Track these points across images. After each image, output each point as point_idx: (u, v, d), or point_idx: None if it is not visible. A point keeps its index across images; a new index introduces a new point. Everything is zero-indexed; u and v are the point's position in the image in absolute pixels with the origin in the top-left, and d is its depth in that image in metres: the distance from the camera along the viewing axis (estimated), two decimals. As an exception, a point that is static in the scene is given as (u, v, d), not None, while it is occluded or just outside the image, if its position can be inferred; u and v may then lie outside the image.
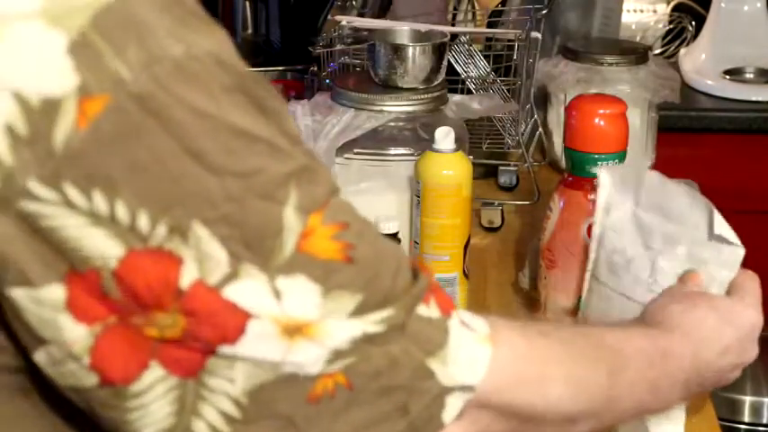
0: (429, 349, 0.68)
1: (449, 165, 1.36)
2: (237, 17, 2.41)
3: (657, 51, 2.42)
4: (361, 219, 0.67)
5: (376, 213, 1.32)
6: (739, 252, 1.11)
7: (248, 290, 0.61)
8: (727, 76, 2.30)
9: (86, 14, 0.57)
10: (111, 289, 0.59)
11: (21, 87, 0.56)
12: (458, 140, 1.38)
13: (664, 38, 2.48)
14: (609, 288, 1.15)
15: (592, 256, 1.18)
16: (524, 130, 1.74)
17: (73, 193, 0.57)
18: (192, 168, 0.59)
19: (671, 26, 2.48)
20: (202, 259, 0.60)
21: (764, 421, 1.91)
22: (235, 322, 0.61)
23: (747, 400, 1.91)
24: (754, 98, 2.24)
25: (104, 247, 0.58)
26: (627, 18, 2.40)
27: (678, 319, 0.90)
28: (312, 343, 0.63)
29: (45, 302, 0.59)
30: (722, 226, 1.11)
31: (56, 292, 0.59)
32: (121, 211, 0.58)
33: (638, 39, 2.40)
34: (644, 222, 1.14)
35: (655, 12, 2.49)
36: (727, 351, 0.91)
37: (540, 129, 1.85)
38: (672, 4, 2.49)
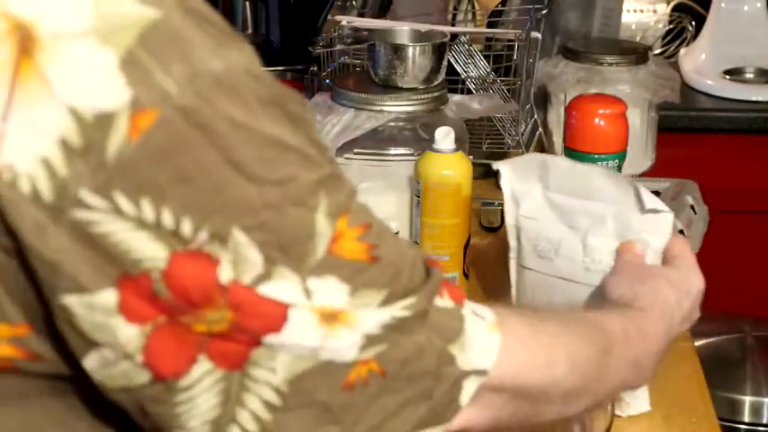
0: (449, 336, 0.72)
1: (449, 165, 1.36)
2: (237, 17, 2.41)
3: (657, 51, 2.42)
4: (378, 219, 0.71)
5: (376, 213, 1.32)
6: (669, 218, 1.14)
7: (281, 288, 0.64)
8: (727, 76, 2.30)
9: (133, 32, 0.60)
10: (161, 290, 0.62)
11: (75, 102, 0.59)
12: (458, 140, 1.38)
13: (664, 38, 2.48)
14: (541, 273, 1.19)
15: (512, 244, 1.22)
16: (524, 130, 1.74)
17: (122, 202, 0.60)
18: (232, 178, 0.62)
19: (671, 26, 2.48)
20: (238, 261, 0.63)
21: (764, 421, 1.91)
22: (278, 312, 0.64)
23: (747, 400, 1.90)
24: (754, 98, 2.24)
25: (151, 250, 0.61)
26: (627, 18, 2.40)
27: (648, 299, 0.96)
28: (347, 328, 0.67)
29: (98, 307, 0.62)
30: (650, 199, 1.14)
31: (108, 296, 0.61)
32: (167, 218, 0.61)
33: (638, 39, 2.40)
34: (560, 205, 1.18)
35: (655, 12, 2.49)
36: (685, 319, 1.00)
37: (540, 129, 1.85)
38: (672, 4, 2.49)
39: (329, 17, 2.01)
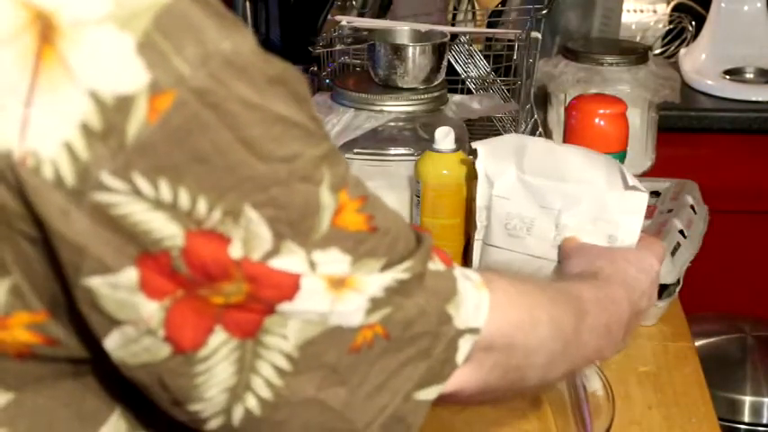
0: (445, 297, 0.75)
1: (449, 165, 1.37)
2: (237, 17, 2.40)
3: (657, 51, 2.42)
4: (370, 191, 0.73)
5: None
6: (644, 197, 1.18)
7: (288, 261, 0.66)
8: (727, 76, 2.30)
9: (149, 16, 0.61)
10: (180, 266, 0.64)
11: (96, 87, 0.60)
12: (458, 140, 1.38)
13: (664, 38, 2.48)
14: (508, 251, 1.22)
15: (480, 224, 1.25)
16: (524, 130, 1.74)
17: (141, 183, 0.62)
18: (244, 156, 0.64)
19: (671, 26, 2.48)
20: (248, 238, 0.65)
21: (764, 421, 1.91)
22: (291, 281, 0.67)
23: (747, 400, 1.90)
24: (754, 98, 2.24)
25: (168, 229, 0.63)
26: (627, 18, 2.40)
27: (608, 271, 1.00)
28: (353, 291, 0.69)
29: (122, 285, 0.63)
30: (632, 177, 1.18)
31: (130, 274, 0.63)
32: (183, 198, 0.63)
33: (638, 39, 2.40)
34: (534, 186, 1.20)
35: (655, 12, 2.49)
36: (644, 295, 1.01)
37: (540, 129, 1.85)
38: (672, 4, 2.49)
39: (329, 17, 2.01)
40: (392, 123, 1.45)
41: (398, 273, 0.72)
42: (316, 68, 1.69)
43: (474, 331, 0.76)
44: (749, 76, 2.33)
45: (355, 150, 1.43)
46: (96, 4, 0.61)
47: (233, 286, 0.65)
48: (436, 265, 0.76)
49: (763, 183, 2.23)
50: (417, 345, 0.73)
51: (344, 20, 1.74)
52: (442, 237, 1.37)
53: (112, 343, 0.66)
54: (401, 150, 1.44)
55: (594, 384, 1.11)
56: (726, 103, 2.24)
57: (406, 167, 1.42)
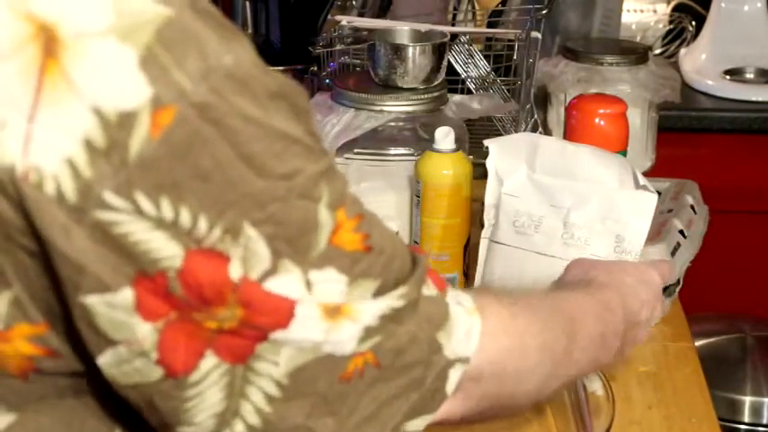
0: (437, 323, 0.74)
1: (449, 165, 1.36)
2: (237, 17, 2.40)
3: (657, 51, 2.42)
4: (367, 209, 0.72)
5: (376, 213, 1.32)
6: (653, 198, 1.20)
7: (286, 282, 0.65)
8: (727, 76, 2.30)
9: (151, 29, 0.60)
10: (176, 288, 0.63)
11: (99, 102, 0.59)
12: (458, 140, 1.38)
13: (664, 38, 2.48)
14: (515, 248, 1.24)
15: (488, 222, 1.26)
16: (524, 130, 1.74)
17: (143, 201, 0.61)
18: (245, 173, 0.63)
19: (671, 26, 2.48)
20: (248, 257, 0.64)
21: (764, 421, 1.91)
22: (286, 307, 0.66)
23: (747, 400, 1.90)
24: (754, 98, 2.23)
25: (168, 249, 0.62)
26: (627, 18, 2.40)
27: (604, 279, 0.98)
28: (349, 320, 0.68)
29: (118, 305, 0.63)
30: (642, 178, 1.20)
31: (126, 294, 0.62)
32: (184, 217, 0.62)
33: (638, 39, 2.40)
34: (544, 185, 1.22)
35: (655, 12, 2.49)
36: (644, 305, 0.99)
37: (540, 129, 1.85)
38: (672, 4, 2.49)
39: (329, 17, 2.00)
40: (392, 123, 1.45)
41: (394, 300, 0.71)
42: (316, 68, 1.69)
43: (464, 361, 0.75)
44: (749, 76, 2.33)
45: (355, 150, 1.43)
46: (98, 15, 0.60)
47: (227, 311, 0.64)
48: (429, 289, 0.75)
49: (763, 183, 2.22)
50: (408, 374, 0.72)
51: (344, 20, 1.74)
52: (442, 237, 1.37)
53: (106, 361, 0.65)
54: (401, 150, 1.44)
55: (594, 384, 1.11)
56: (726, 103, 2.24)
57: (406, 167, 1.42)
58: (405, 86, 1.46)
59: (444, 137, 1.36)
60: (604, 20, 2.18)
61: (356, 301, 0.69)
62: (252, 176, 0.63)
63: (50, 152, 0.60)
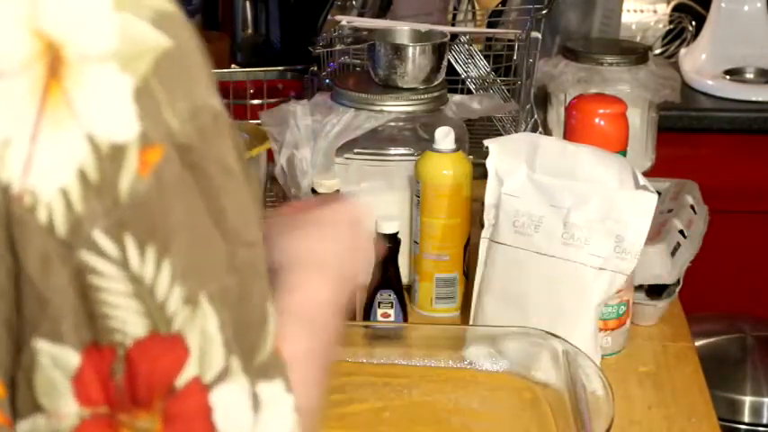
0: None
1: (449, 165, 1.36)
2: (237, 17, 2.41)
3: (657, 51, 2.42)
4: None
5: (376, 213, 1.32)
6: (653, 198, 1.19)
7: (231, 395, 0.58)
8: (727, 76, 2.30)
9: (150, 59, 0.57)
10: (118, 371, 0.57)
11: (94, 131, 0.56)
12: (458, 140, 1.38)
13: (664, 38, 2.48)
14: (515, 248, 1.24)
15: (488, 222, 1.27)
16: (524, 130, 1.74)
17: (131, 248, 0.56)
18: (211, 232, 0.58)
19: (671, 26, 2.48)
20: (204, 347, 0.57)
21: (764, 421, 1.91)
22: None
23: (747, 400, 1.90)
24: (754, 98, 2.24)
25: (131, 324, 0.57)
26: (627, 18, 2.40)
27: (305, 254, 0.83)
28: None
29: (61, 364, 0.57)
30: (642, 178, 1.21)
31: (73, 359, 0.57)
32: (164, 277, 0.57)
33: (638, 39, 2.40)
34: (544, 185, 1.22)
35: (655, 12, 2.49)
36: (331, 296, 0.82)
37: (540, 129, 1.85)
38: (672, 4, 2.49)
39: (329, 17, 2.01)
40: (392, 123, 1.45)
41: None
42: (316, 68, 1.69)
43: None
44: (749, 76, 2.33)
45: (355, 150, 1.43)
46: (103, 39, 0.57)
47: (147, 420, 0.57)
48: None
49: (763, 183, 2.22)
50: None
51: (344, 20, 1.74)
52: (441, 237, 1.37)
53: (23, 429, 0.57)
54: (401, 150, 1.44)
55: (594, 384, 1.11)
56: (726, 103, 2.24)
57: (406, 167, 1.42)
58: (405, 86, 1.46)
59: (444, 137, 1.36)
60: (604, 20, 2.18)
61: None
62: (217, 237, 0.58)
63: (48, 178, 0.56)
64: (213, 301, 0.57)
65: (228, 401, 0.57)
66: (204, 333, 0.56)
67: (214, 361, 0.57)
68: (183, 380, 0.57)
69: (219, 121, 0.59)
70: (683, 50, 2.41)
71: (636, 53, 1.88)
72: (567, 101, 1.62)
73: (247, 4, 2.39)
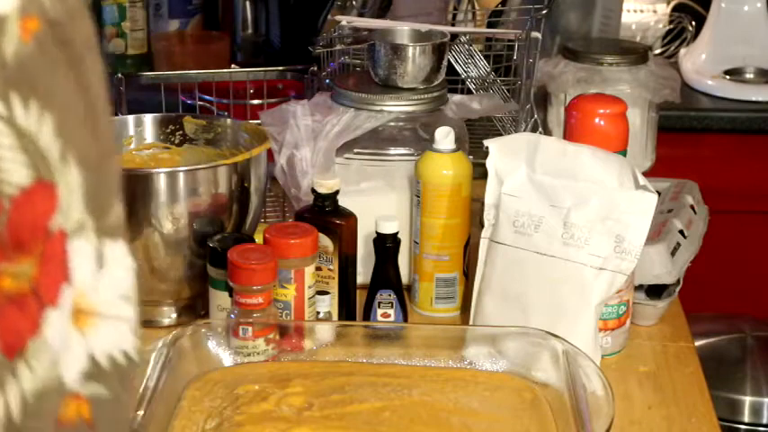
0: None
1: (449, 165, 1.36)
2: (237, 17, 2.40)
3: (657, 51, 2.42)
4: None
5: (376, 213, 1.32)
6: (653, 198, 1.20)
7: (82, 249, 0.60)
8: (727, 76, 2.30)
9: None
10: (1, 222, 0.56)
11: None
12: (458, 140, 1.38)
13: (664, 38, 2.48)
14: (515, 248, 1.24)
15: (488, 222, 1.27)
16: (524, 130, 1.74)
17: (17, 105, 0.58)
18: (79, 102, 0.61)
19: (671, 26, 2.48)
20: (68, 201, 0.59)
21: (764, 421, 1.91)
22: (62, 280, 0.59)
23: (747, 400, 1.91)
24: (754, 98, 2.24)
25: (18, 174, 0.57)
26: (627, 18, 2.40)
27: None
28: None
29: None
30: (642, 178, 1.21)
31: None
32: (47, 130, 0.59)
33: (638, 39, 2.40)
34: (544, 185, 1.23)
35: (655, 12, 2.49)
36: None
37: (540, 129, 1.85)
38: (672, 4, 2.49)
39: (329, 17, 2.01)
40: (392, 123, 1.45)
41: None
42: (316, 68, 1.69)
43: None
44: (749, 76, 2.33)
45: (355, 150, 1.43)
46: None
47: (27, 265, 0.57)
48: None
49: (763, 183, 2.23)
50: None
51: (344, 20, 1.74)
52: (441, 237, 1.37)
53: None
54: (401, 150, 1.44)
55: (594, 384, 1.11)
56: (726, 103, 2.24)
57: (406, 167, 1.42)
58: (405, 86, 1.46)
59: (444, 137, 1.36)
60: (604, 20, 2.18)
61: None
62: (83, 107, 0.61)
63: None
64: (79, 163, 0.60)
65: (80, 253, 0.60)
66: (69, 187, 0.59)
67: (74, 215, 0.59)
68: (54, 225, 0.58)
69: (83, 4, 0.62)
70: (683, 50, 2.41)
71: (636, 53, 1.88)
72: (567, 101, 1.62)
73: (247, 4, 2.39)
